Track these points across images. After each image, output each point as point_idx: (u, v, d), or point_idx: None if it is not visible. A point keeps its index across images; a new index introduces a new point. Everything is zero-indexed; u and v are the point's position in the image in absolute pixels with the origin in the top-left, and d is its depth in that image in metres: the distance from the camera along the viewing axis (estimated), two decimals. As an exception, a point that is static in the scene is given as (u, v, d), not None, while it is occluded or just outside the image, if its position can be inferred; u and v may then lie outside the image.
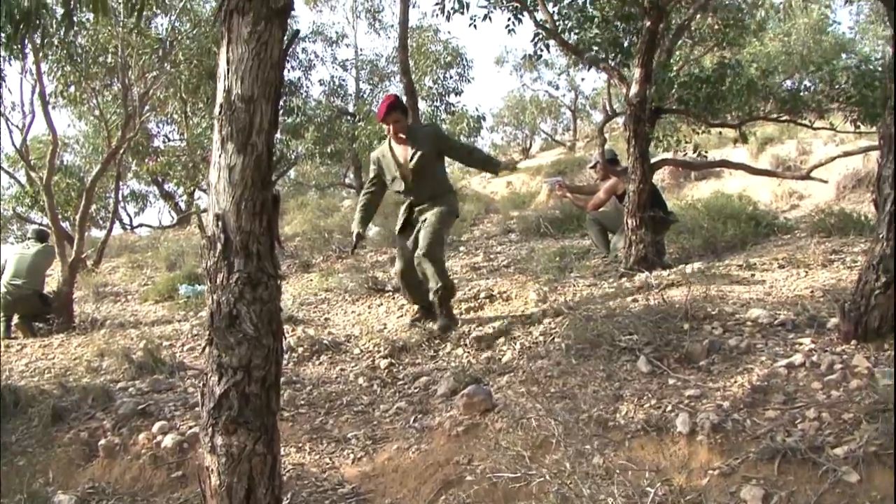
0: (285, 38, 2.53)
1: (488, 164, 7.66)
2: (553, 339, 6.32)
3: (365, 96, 19.48)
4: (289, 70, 17.83)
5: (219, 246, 2.47)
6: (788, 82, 11.04)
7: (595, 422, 4.62)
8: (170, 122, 16.59)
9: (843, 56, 21.23)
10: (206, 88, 13.09)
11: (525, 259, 10.48)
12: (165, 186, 18.56)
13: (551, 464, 4.07)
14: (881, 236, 4.95)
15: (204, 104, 14.27)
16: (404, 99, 15.25)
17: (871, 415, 4.03)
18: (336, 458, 5.14)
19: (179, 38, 11.42)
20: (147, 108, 11.63)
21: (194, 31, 11.73)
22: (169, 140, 16.69)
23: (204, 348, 2.62)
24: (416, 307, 7.70)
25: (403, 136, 7.07)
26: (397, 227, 7.42)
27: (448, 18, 9.29)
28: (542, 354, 6.02)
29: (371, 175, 7.49)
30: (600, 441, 4.39)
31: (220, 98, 2.49)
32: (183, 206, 19.82)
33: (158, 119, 15.94)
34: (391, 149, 7.17)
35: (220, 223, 2.47)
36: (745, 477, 3.94)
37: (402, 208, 7.37)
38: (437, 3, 9.21)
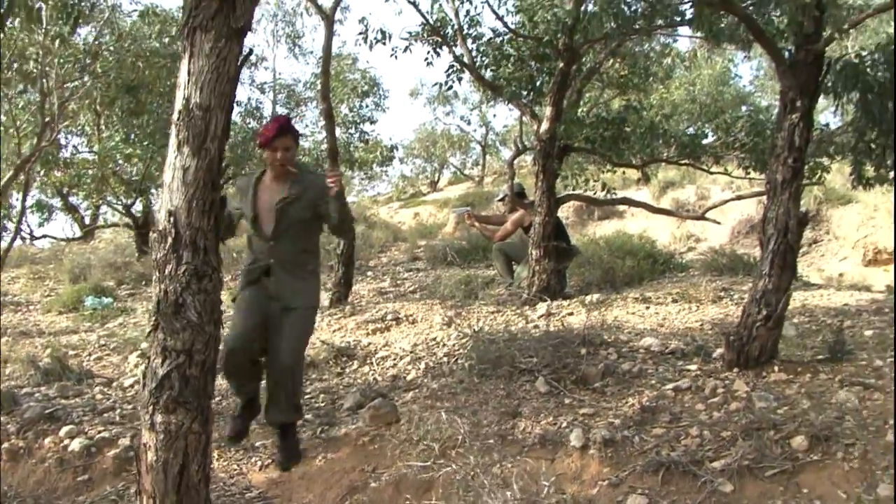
0: (241, 55, 2.78)
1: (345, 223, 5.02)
2: (457, 359, 6.57)
3: (281, 119, 19.50)
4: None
5: (169, 239, 2.68)
6: (691, 129, 11.58)
7: (495, 435, 4.89)
8: (80, 133, 16.35)
9: (743, 108, 22.10)
10: (122, 102, 13.03)
11: (432, 285, 10.73)
12: (70, 199, 18.25)
13: (457, 456, 4.32)
14: (764, 273, 5.38)
15: (118, 118, 14.15)
16: (321, 124, 15.31)
17: (746, 433, 4.41)
18: (244, 465, 5.28)
19: (101, 50, 11.39)
20: (60, 118, 11.53)
21: (115, 45, 11.71)
22: (78, 152, 16.45)
23: (149, 333, 2.80)
24: (239, 402, 5.15)
25: (293, 171, 4.86)
26: (240, 284, 4.97)
27: (371, 48, 9.52)
28: (446, 373, 6.28)
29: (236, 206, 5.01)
30: (499, 452, 4.65)
31: (178, 105, 2.72)
32: (87, 219, 19.51)
33: (68, 130, 15.74)
34: (263, 184, 4.92)
35: (171, 219, 2.68)
36: (632, 487, 4.27)
37: (252, 256, 4.95)
38: (360, 33, 9.45)
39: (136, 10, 12.66)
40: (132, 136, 14.53)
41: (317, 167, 17.30)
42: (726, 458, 4.23)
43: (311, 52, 21.34)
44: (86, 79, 11.08)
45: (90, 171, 14.91)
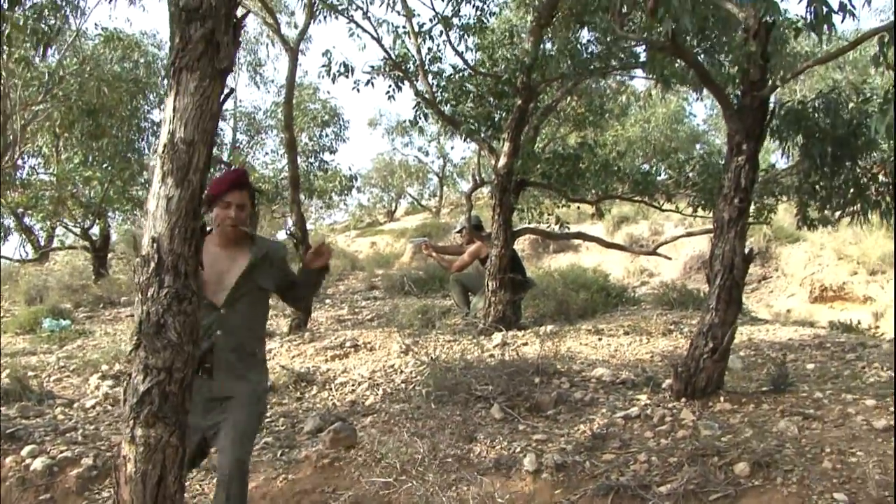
0: (223, 93, 2.97)
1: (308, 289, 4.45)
2: (414, 386, 6.73)
3: (242, 147, 19.65)
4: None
5: (152, 264, 2.85)
6: (645, 166, 11.89)
7: (452, 457, 5.05)
8: (37, 154, 16.30)
9: (697, 146, 22.60)
10: (83, 125, 13.07)
11: (389, 314, 10.88)
12: (24, 220, 18.17)
13: (417, 474, 4.47)
14: (711, 307, 5.61)
15: (77, 140, 14.16)
16: (281, 152, 15.35)
17: (692, 459, 4.63)
18: (205, 486, 5.35)
19: (64, 73, 11.46)
20: (21, 139, 11.57)
21: (78, 68, 11.78)
22: (36, 173, 16.40)
23: (131, 352, 2.95)
24: None
25: (245, 233, 4.16)
26: None
27: (334, 80, 9.67)
28: (404, 399, 6.43)
29: None
30: (457, 473, 4.82)
31: (164, 139, 2.89)
32: (42, 241, 19.38)
33: (26, 150, 15.70)
34: (206, 249, 3.50)
35: (155, 245, 2.85)
36: (583, 509, 4.45)
37: None
38: (323, 65, 9.61)
39: (100, 35, 12.76)
40: (91, 158, 14.54)
41: (276, 194, 17.43)
42: (673, 483, 4.43)
43: (273, 81, 21.46)
44: (48, 101, 11.15)
45: (48, 193, 14.88)
